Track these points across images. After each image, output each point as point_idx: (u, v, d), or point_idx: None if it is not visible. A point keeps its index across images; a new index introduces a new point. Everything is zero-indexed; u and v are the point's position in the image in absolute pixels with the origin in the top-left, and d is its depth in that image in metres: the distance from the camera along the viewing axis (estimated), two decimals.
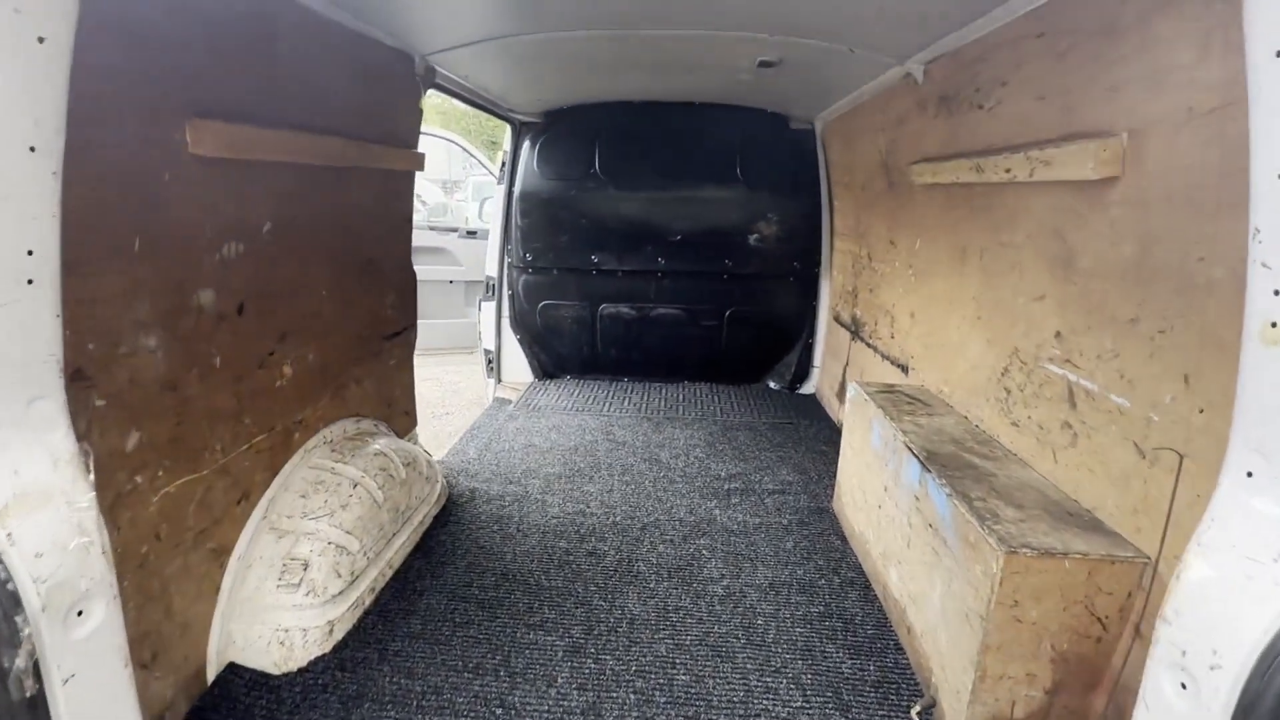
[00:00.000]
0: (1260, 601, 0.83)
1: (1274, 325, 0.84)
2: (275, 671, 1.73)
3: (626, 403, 4.12)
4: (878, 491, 2.22)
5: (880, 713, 1.68)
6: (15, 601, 0.87)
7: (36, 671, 0.89)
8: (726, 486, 2.96)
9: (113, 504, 1.36)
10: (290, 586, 1.79)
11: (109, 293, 1.34)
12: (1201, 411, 1.24)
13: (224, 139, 1.57)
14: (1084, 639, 1.43)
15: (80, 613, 0.95)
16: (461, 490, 2.84)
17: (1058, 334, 1.72)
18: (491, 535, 2.48)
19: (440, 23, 2.38)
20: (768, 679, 1.78)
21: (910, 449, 1.95)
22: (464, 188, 8.17)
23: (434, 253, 5.70)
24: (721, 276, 4.30)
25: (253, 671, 1.72)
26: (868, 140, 3.33)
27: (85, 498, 0.98)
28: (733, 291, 4.34)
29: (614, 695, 1.71)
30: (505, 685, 1.72)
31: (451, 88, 3.09)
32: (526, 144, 4.23)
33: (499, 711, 1.64)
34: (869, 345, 3.40)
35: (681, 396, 4.28)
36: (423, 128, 2.81)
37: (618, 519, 2.63)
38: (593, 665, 1.81)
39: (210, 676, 1.69)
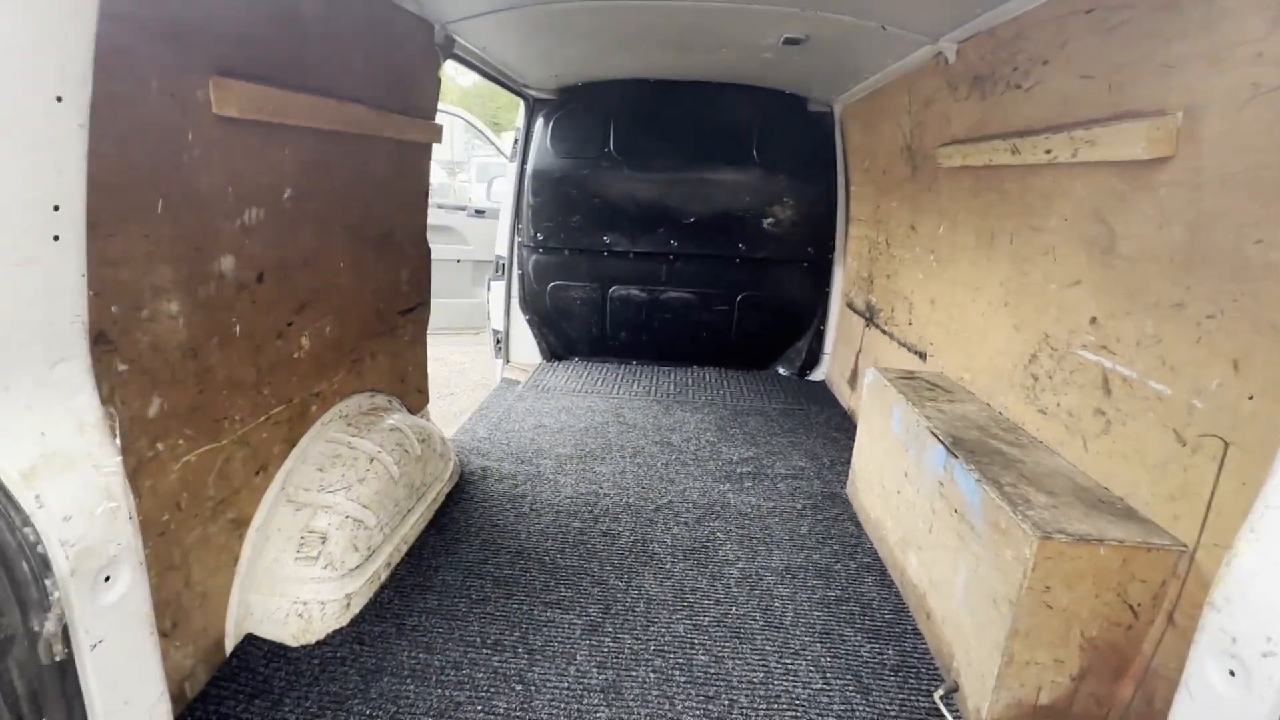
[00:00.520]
0: None
1: None
2: (293, 644, 1.72)
3: (636, 386, 4.10)
4: (897, 477, 2.20)
5: (901, 696, 1.67)
6: (45, 564, 0.84)
7: (65, 636, 0.87)
8: (739, 470, 2.95)
9: (135, 471, 1.33)
10: (308, 559, 1.78)
11: (131, 255, 1.30)
12: (1251, 398, 1.21)
13: (247, 99, 1.52)
14: (1114, 626, 1.41)
15: (108, 578, 0.93)
16: (473, 469, 2.82)
17: (1093, 319, 1.69)
18: (505, 514, 2.47)
19: None
20: (787, 661, 1.77)
21: (935, 434, 1.93)
22: (467, 169, 8.08)
23: (442, 231, 5.64)
24: (734, 260, 4.25)
25: (270, 643, 1.71)
26: (890, 123, 3.26)
27: (112, 462, 0.96)
28: (745, 276, 4.28)
29: (633, 673, 1.70)
30: (524, 662, 1.72)
31: (469, 59, 3.02)
32: (540, 121, 4.15)
33: (519, 688, 1.63)
34: (884, 332, 3.36)
35: (691, 380, 4.26)
36: None
37: (631, 500, 2.62)
38: (611, 644, 1.80)
39: (229, 648, 1.68)
